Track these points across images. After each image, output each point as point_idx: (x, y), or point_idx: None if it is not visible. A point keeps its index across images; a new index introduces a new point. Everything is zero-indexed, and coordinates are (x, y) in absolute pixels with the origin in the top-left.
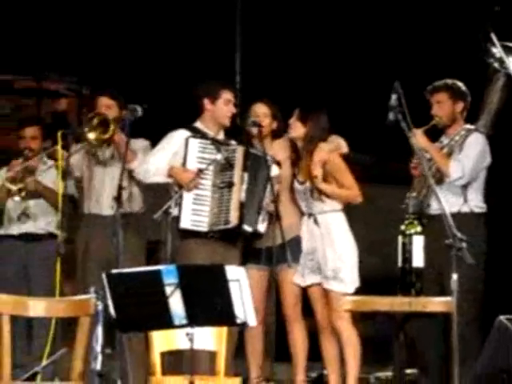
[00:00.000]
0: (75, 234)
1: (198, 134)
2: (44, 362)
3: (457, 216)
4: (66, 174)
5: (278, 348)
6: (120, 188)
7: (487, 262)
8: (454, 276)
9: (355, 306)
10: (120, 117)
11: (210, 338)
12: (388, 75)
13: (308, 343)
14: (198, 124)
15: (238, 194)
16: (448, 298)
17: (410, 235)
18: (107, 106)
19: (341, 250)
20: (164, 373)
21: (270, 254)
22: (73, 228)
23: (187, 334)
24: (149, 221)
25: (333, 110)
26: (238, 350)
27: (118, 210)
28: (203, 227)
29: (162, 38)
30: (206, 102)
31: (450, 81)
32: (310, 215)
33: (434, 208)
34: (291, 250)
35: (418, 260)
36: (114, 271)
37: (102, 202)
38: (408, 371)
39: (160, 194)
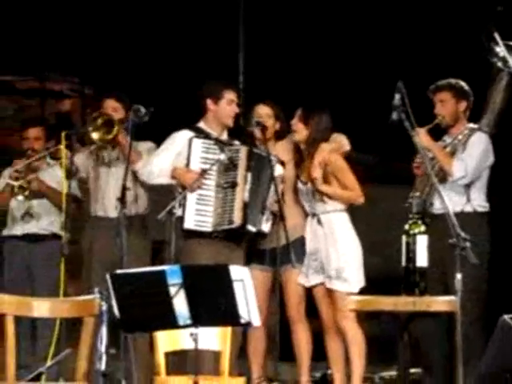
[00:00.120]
0: (79, 234)
1: (202, 134)
2: (48, 363)
3: (460, 215)
4: (69, 173)
5: (282, 348)
6: (124, 188)
7: (490, 262)
8: (458, 275)
9: (359, 305)
10: (125, 118)
11: (215, 338)
12: (391, 75)
13: (312, 343)
14: (202, 124)
15: (242, 193)
16: (452, 298)
17: (414, 235)
18: (113, 108)
19: (344, 250)
20: (168, 373)
21: (274, 255)
22: (77, 229)
23: (191, 334)
24: (153, 221)
25: (336, 109)
26: (242, 350)
27: (122, 211)
28: (207, 227)
29: (164, 38)
30: (209, 103)
31: (453, 80)
32: (314, 215)
33: (436, 207)
34: (295, 250)
35: (422, 260)
36: (118, 271)
37: (107, 204)
38: (412, 371)
39: (164, 194)
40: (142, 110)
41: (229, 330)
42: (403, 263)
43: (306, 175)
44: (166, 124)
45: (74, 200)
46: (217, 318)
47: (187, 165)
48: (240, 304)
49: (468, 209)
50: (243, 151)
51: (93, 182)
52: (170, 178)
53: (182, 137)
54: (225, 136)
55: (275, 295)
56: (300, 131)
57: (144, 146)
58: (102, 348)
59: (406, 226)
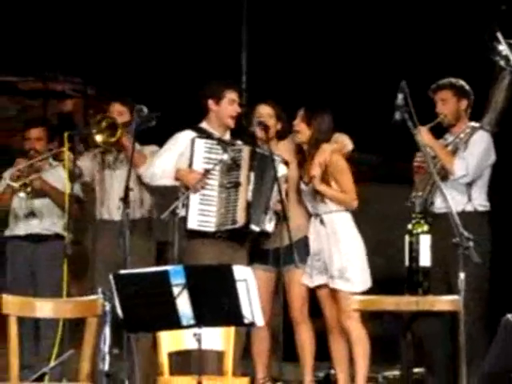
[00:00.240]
0: (82, 235)
1: (204, 134)
2: (52, 363)
3: (461, 215)
4: (73, 176)
5: (286, 348)
6: (127, 189)
7: (492, 261)
8: (462, 275)
9: (363, 305)
10: (129, 122)
11: (218, 338)
12: (394, 74)
13: (315, 343)
14: (204, 125)
15: (245, 193)
16: (455, 297)
17: (417, 234)
18: (119, 112)
19: (347, 250)
20: (172, 373)
21: (278, 255)
22: (79, 229)
23: (195, 335)
24: (156, 222)
25: (339, 110)
26: (245, 350)
27: (125, 211)
28: (210, 227)
29: (167, 38)
30: (211, 103)
31: (453, 79)
32: (316, 216)
33: (437, 206)
34: (298, 250)
35: (425, 259)
36: (122, 272)
37: (112, 207)
38: (415, 370)
39: (169, 197)
40: (145, 110)
41: (232, 330)
42: (406, 263)
43: (308, 176)
44: (169, 124)
45: (77, 201)
46: (220, 318)
47: (190, 165)
48: (243, 304)
49: (469, 208)
50: (246, 151)
51: (98, 186)
52: (174, 179)
53: (184, 137)
54: (227, 136)
55: (279, 296)
56: (303, 132)
57: (149, 149)
58: (106, 348)
59: (409, 226)
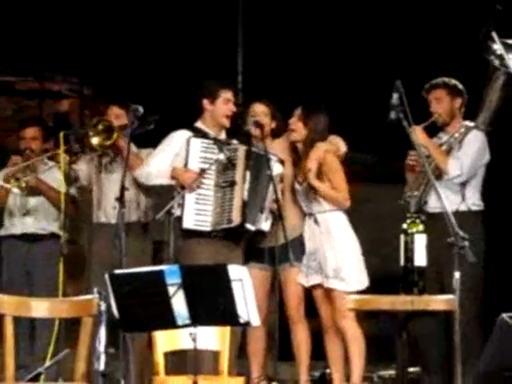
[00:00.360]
0: (78, 234)
1: (199, 133)
2: (47, 363)
3: (455, 214)
4: (68, 178)
5: (282, 347)
6: (123, 188)
7: (486, 260)
8: (457, 274)
9: (358, 304)
10: (126, 125)
11: (214, 338)
12: (389, 74)
13: (311, 343)
14: (199, 124)
15: (241, 192)
16: (450, 297)
17: (412, 234)
18: (116, 115)
19: (341, 249)
20: (167, 373)
21: (273, 254)
22: (75, 228)
23: (190, 334)
24: (152, 222)
25: (334, 109)
26: (241, 350)
27: (121, 211)
28: (206, 227)
29: (163, 38)
30: (206, 102)
31: (446, 78)
32: (311, 215)
33: (431, 206)
34: (294, 249)
35: (421, 259)
36: (117, 271)
37: (109, 210)
38: (411, 370)
39: (165, 197)
40: (141, 109)
41: (228, 329)
42: (402, 262)
43: (302, 175)
44: (165, 125)
45: (72, 200)
46: (216, 318)
47: (185, 164)
48: (239, 304)
49: (463, 208)
50: (241, 150)
51: (95, 189)
52: (169, 178)
53: (179, 137)
54: (223, 135)
55: (275, 294)
56: (299, 130)
57: (146, 152)
58: (101, 348)
59: (405, 225)
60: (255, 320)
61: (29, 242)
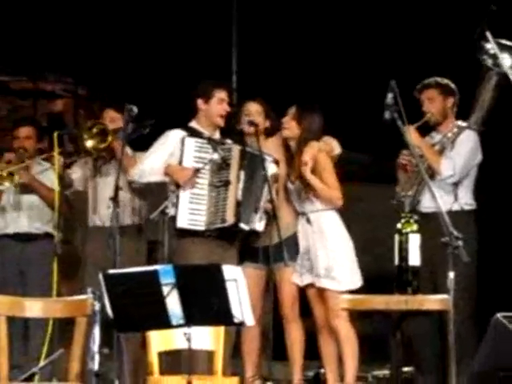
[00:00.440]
0: (72, 234)
1: (194, 133)
2: (41, 363)
3: (448, 214)
4: (62, 179)
5: (276, 347)
6: (117, 188)
7: (479, 260)
8: (451, 274)
9: (352, 304)
10: (120, 128)
11: (208, 338)
12: (384, 74)
13: (305, 342)
14: (194, 124)
15: (235, 192)
16: (444, 296)
17: (407, 234)
18: (112, 118)
19: (333, 248)
20: (162, 372)
21: (268, 253)
22: (69, 228)
23: (185, 334)
24: (146, 221)
25: (329, 109)
26: (235, 350)
27: (115, 210)
28: (200, 226)
29: (158, 38)
30: (200, 102)
31: (438, 78)
32: (303, 214)
33: (425, 205)
34: (288, 248)
35: (415, 258)
36: (112, 271)
37: (103, 213)
38: (405, 369)
39: (157, 193)
40: (135, 109)
41: (222, 329)
42: (396, 262)
43: (295, 174)
44: (160, 124)
45: (65, 200)
46: (210, 318)
47: (180, 164)
48: (233, 304)
49: (455, 207)
50: (236, 150)
51: (90, 193)
52: (163, 175)
53: (174, 136)
54: (217, 135)
55: (269, 293)
56: (292, 129)
57: (140, 155)
58: (95, 348)
59: (399, 225)
60: (249, 320)
61: (22, 241)
